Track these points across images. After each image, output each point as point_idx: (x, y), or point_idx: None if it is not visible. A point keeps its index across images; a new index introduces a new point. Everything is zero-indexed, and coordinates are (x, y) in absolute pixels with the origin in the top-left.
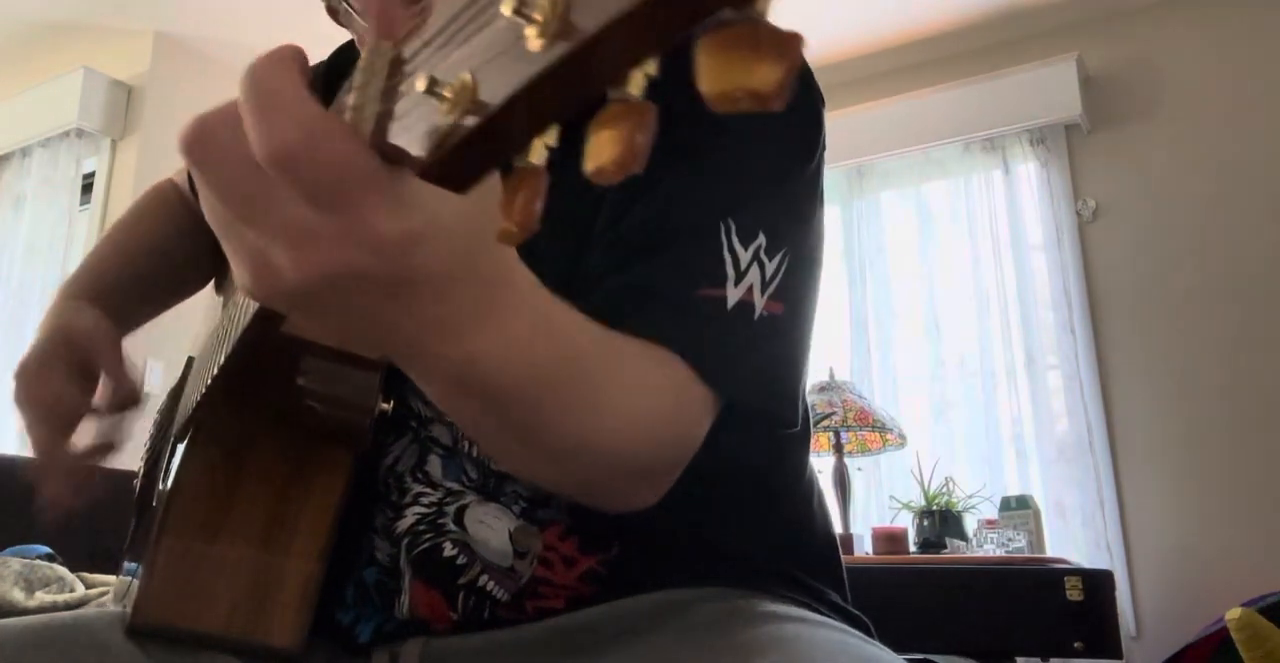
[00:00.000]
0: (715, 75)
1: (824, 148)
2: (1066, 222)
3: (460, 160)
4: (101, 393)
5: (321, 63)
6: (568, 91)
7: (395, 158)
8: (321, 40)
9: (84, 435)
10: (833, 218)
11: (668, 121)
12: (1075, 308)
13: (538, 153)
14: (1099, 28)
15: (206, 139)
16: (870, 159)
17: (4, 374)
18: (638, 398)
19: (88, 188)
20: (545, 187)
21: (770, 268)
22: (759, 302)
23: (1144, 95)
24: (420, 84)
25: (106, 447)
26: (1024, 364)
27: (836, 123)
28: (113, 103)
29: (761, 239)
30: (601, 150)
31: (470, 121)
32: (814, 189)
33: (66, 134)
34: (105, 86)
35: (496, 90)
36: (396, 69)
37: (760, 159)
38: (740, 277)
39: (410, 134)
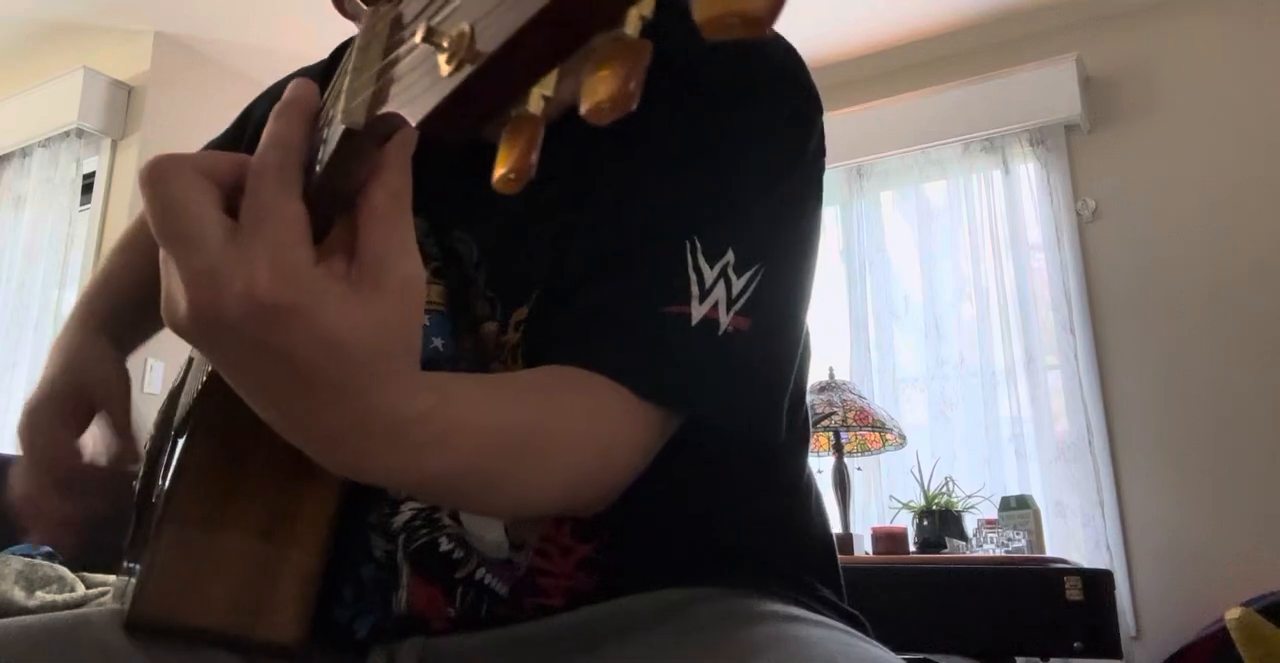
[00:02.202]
0: (707, 1)
1: (821, 152)
2: (1066, 221)
3: (458, 111)
4: (102, 447)
5: (321, 62)
6: (563, 34)
7: (387, 132)
8: (320, 40)
9: (75, 492)
10: (833, 218)
11: (651, 131)
12: (1075, 308)
13: (535, 102)
14: (1099, 28)
15: (157, 182)
16: (870, 159)
17: (4, 374)
18: (566, 454)
19: (88, 188)
20: (541, 136)
21: (738, 285)
22: (724, 318)
23: (1144, 95)
24: (418, 36)
25: (93, 513)
26: (1024, 364)
27: (836, 123)
28: (113, 103)
29: (730, 256)
30: (597, 88)
31: (468, 71)
32: (803, 196)
33: (66, 134)
34: (105, 86)
35: (493, 37)
36: (397, 29)
37: (739, 172)
38: (705, 294)
39: (411, 91)
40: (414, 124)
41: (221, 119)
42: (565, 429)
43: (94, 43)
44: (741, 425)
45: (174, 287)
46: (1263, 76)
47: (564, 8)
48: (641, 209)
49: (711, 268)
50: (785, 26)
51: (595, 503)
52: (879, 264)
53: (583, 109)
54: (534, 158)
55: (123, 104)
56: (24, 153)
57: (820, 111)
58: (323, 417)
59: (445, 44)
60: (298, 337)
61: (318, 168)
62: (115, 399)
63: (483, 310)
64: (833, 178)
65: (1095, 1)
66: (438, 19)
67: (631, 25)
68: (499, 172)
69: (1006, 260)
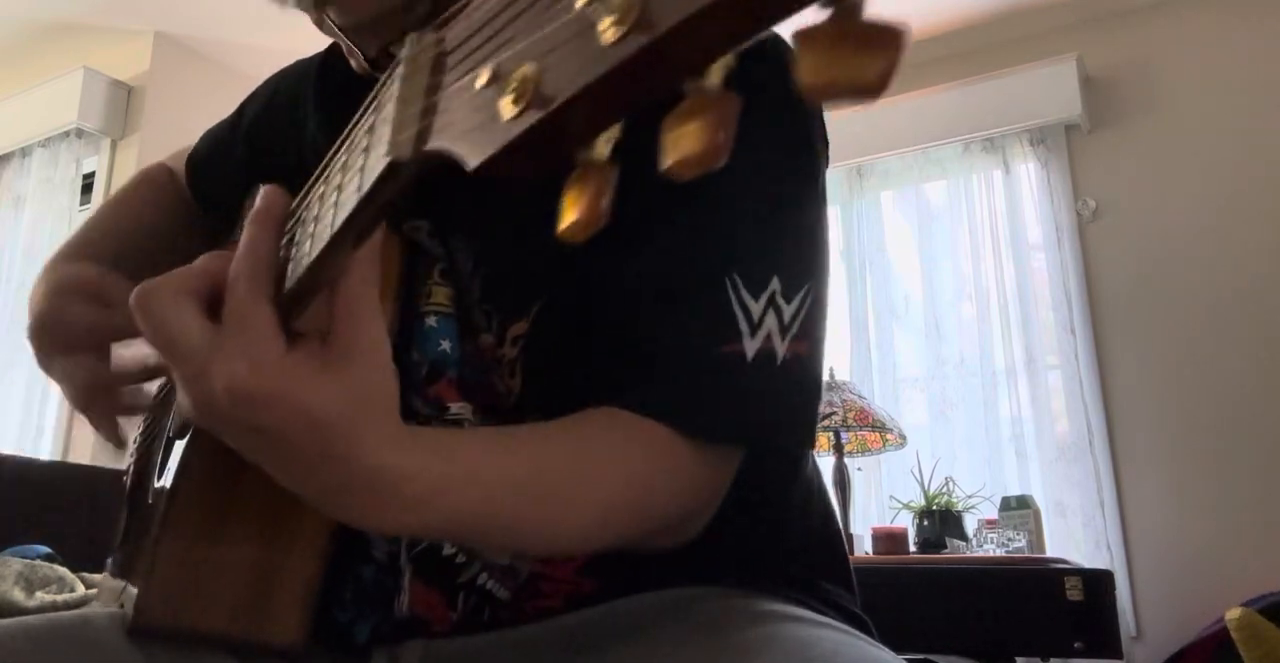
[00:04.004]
0: (816, 68)
1: (825, 145)
2: (1066, 221)
3: (520, 156)
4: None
5: (318, 55)
6: (641, 86)
7: (441, 167)
8: (320, 40)
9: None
10: (833, 218)
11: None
12: (1075, 308)
13: (601, 148)
14: (1099, 28)
15: (144, 307)
16: (870, 159)
17: (4, 374)
18: (606, 489)
19: (88, 188)
20: (614, 181)
21: (789, 310)
22: (780, 347)
23: (1144, 95)
24: (482, 78)
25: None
26: (1024, 364)
27: (836, 123)
28: (113, 103)
29: (775, 285)
30: (681, 144)
31: (532, 116)
32: (822, 205)
33: (66, 134)
34: (105, 86)
35: (563, 84)
36: (441, 62)
37: (764, 196)
38: (755, 328)
39: (459, 128)
40: (470, 167)
41: (221, 119)
42: (599, 473)
43: (94, 43)
44: (794, 442)
45: (179, 387)
46: (1263, 77)
47: (646, 62)
48: (671, 245)
49: (757, 301)
50: (784, 26)
51: (677, 536)
52: (879, 264)
53: (665, 164)
54: (605, 204)
55: (123, 104)
56: (24, 153)
57: (822, 114)
58: (314, 478)
59: (507, 85)
60: (280, 416)
61: (305, 261)
62: (109, 277)
63: (479, 322)
64: (833, 178)
65: (1095, 1)
66: (498, 60)
67: (716, 75)
68: (567, 220)
69: (1006, 260)
